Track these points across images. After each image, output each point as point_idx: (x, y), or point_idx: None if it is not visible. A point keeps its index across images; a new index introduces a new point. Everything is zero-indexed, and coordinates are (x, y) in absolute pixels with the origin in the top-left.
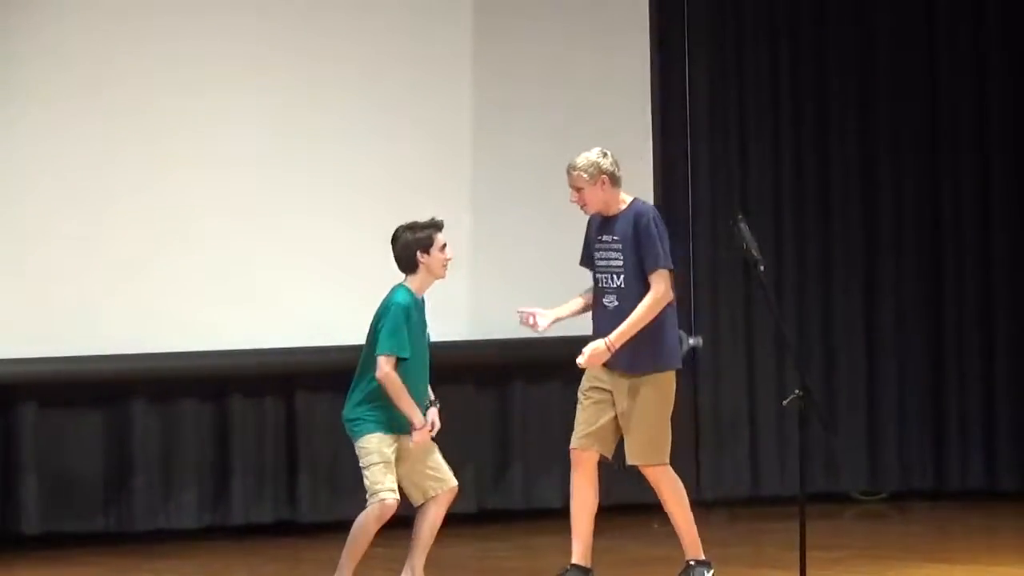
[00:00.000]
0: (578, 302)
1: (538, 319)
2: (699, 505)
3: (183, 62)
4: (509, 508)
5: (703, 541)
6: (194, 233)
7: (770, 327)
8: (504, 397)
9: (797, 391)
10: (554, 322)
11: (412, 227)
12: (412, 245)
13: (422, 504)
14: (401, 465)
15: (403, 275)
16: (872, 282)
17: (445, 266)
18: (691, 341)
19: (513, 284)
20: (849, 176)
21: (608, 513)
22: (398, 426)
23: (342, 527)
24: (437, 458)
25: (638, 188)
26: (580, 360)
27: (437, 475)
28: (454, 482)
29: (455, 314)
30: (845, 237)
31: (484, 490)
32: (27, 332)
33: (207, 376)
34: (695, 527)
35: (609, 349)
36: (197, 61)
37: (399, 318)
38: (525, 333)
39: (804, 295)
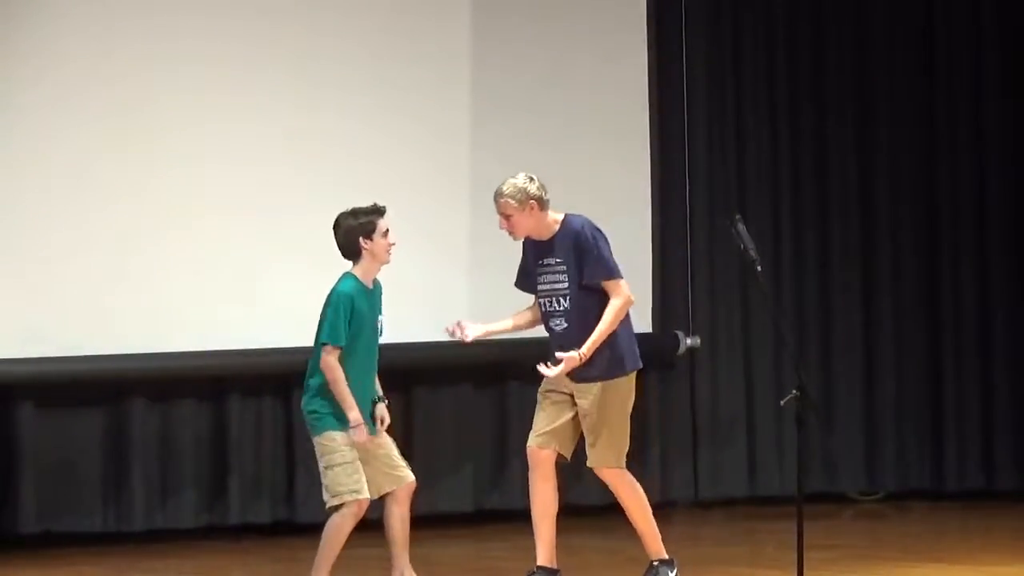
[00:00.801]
0: (509, 322)
1: (467, 330)
2: (697, 505)
3: (180, 61)
4: (507, 508)
5: (701, 541)
6: (192, 233)
7: (767, 327)
8: (502, 397)
9: (795, 391)
10: (484, 335)
11: (354, 213)
12: (354, 231)
13: (385, 504)
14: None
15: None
16: (869, 282)
17: (389, 251)
18: (688, 341)
19: (511, 284)
20: (846, 177)
21: (604, 512)
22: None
23: None
24: (392, 454)
25: (635, 189)
26: (549, 371)
27: (393, 472)
28: (410, 477)
29: (453, 314)
30: (842, 238)
31: (482, 490)
32: (24, 332)
33: (205, 376)
34: (656, 527)
35: (581, 360)
36: (194, 59)
37: (338, 307)
38: (523, 333)
39: (801, 295)
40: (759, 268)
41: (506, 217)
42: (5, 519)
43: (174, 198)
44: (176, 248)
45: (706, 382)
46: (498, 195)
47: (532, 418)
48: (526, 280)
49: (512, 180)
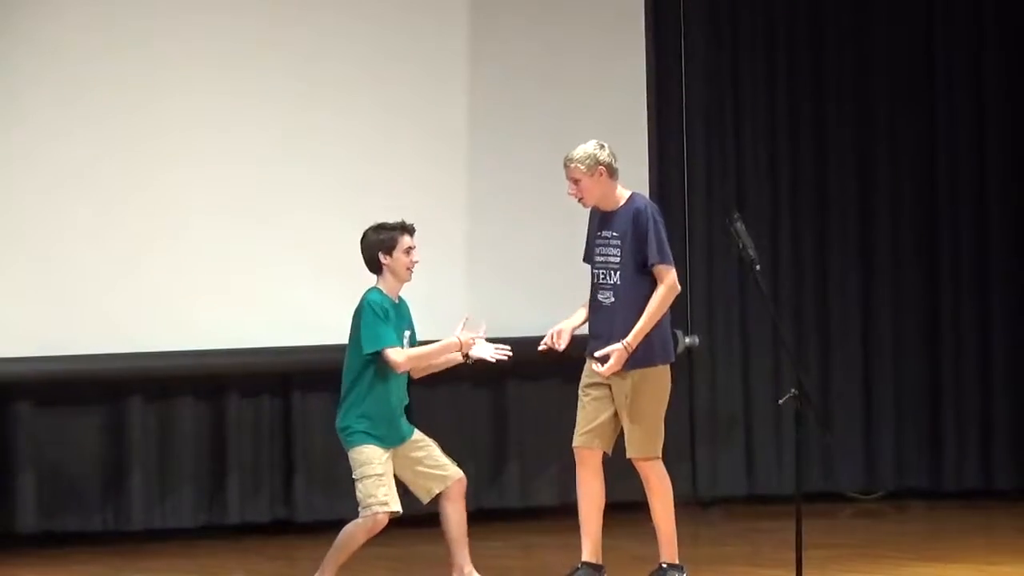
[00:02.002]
0: (583, 313)
1: (561, 339)
2: (696, 504)
3: (175, 61)
4: (506, 507)
5: (700, 540)
6: (190, 232)
7: (766, 326)
8: (501, 396)
9: (793, 390)
10: (571, 337)
11: (378, 228)
12: (375, 246)
13: (439, 505)
14: (403, 470)
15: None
16: (868, 281)
17: (410, 270)
18: (687, 340)
19: (510, 283)
20: (846, 176)
21: (608, 511)
22: (390, 440)
23: (338, 526)
24: (434, 454)
25: (634, 187)
26: (602, 369)
27: (438, 472)
28: (458, 473)
29: (451, 313)
30: (842, 237)
31: (481, 489)
32: (22, 331)
33: (203, 375)
34: (675, 529)
35: (628, 351)
36: (193, 59)
37: (375, 313)
38: (521, 332)
39: (800, 294)
40: (758, 267)
41: (575, 182)
42: (3, 519)
43: (172, 198)
44: (174, 247)
45: (705, 381)
46: (568, 160)
47: (530, 417)
48: (589, 252)
49: (583, 146)
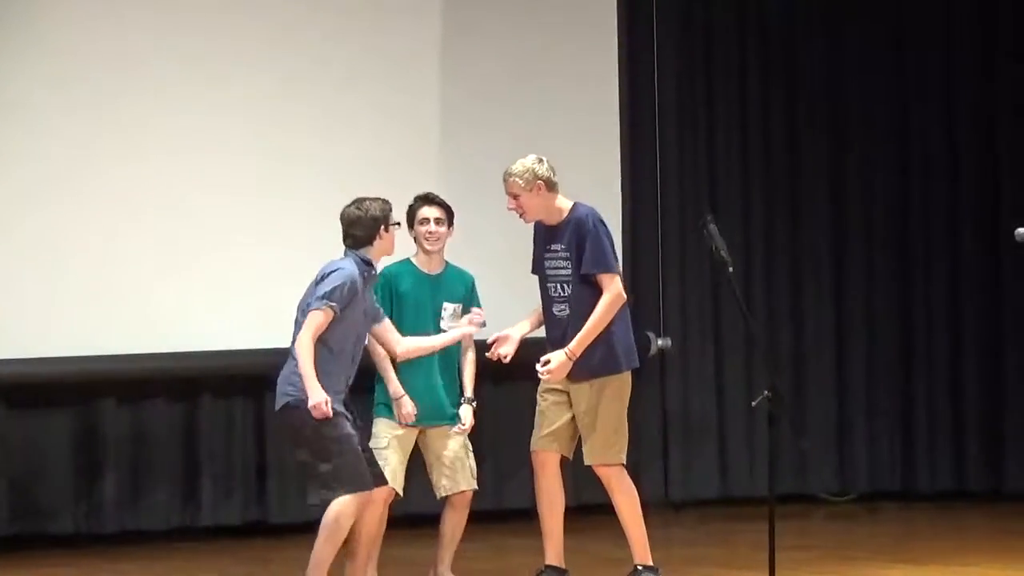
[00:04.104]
0: (527, 324)
1: (502, 349)
2: (668, 507)
3: (149, 58)
4: (479, 509)
5: (673, 542)
6: (162, 234)
7: (739, 328)
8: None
9: (766, 392)
10: (516, 347)
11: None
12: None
13: (444, 504)
14: (427, 452)
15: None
16: (841, 283)
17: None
18: (660, 342)
19: (482, 281)
20: (819, 176)
21: (576, 513)
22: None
23: (311, 528)
24: (456, 457)
25: (606, 187)
26: (543, 374)
27: (451, 475)
28: (466, 486)
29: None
30: (814, 238)
31: None
32: None
33: (176, 377)
34: (644, 531)
35: (570, 359)
36: (171, 56)
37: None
38: (495, 332)
39: (773, 296)
40: (731, 269)
41: (514, 197)
42: None
43: (144, 200)
44: (146, 249)
45: (677, 383)
46: (507, 175)
47: (503, 419)
48: (538, 265)
49: (521, 160)
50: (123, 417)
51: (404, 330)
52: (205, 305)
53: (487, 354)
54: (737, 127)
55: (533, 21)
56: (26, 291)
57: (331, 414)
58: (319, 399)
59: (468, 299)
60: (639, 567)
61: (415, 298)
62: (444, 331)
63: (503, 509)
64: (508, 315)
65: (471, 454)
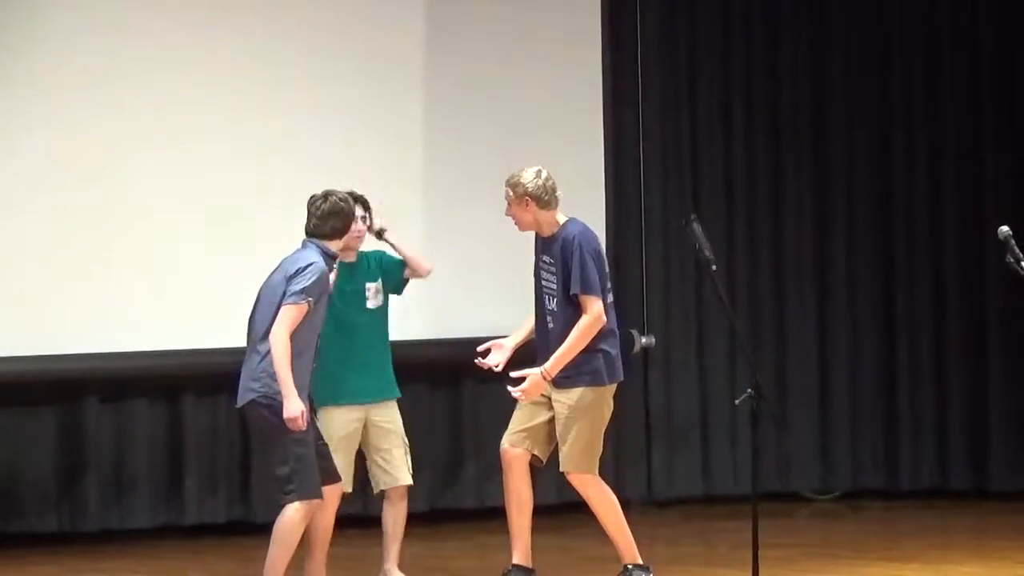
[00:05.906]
0: (522, 333)
1: (493, 360)
2: (651, 505)
3: (135, 58)
4: (462, 507)
5: (656, 540)
6: (145, 233)
7: (722, 327)
8: (457, 396)
9: (749, 390)
10: (509, 356)
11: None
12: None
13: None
14: (367, 446)
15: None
16: (824, 282)
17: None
18: (643, 341)
19: (466, 283)
20: (802, 177)
21: (560, 511)
22: (352, 392)
23: None
24: (396, 454)
25: (589, 189)
26: (517, 394)
27: (387, 469)
28: (402, 481)
29: (408, 313)
30: (798, 237)
31: (437, 490)
32: None
33: (160, 376)
34: (628, 532)
35: (545, 378)
36: (164, 55)
37: None
38: (478, 332)
39: (756, 295)
40: (714, 267)
41: (508, 204)
42: None
43: (126, 198)
44: (129, 248)
45: (660, 381)
46: (506, 182)
47: (486, 418)
48: (535, 272)
49: (521, 172)
50: (106, 416)
51: (332, 317)
52: (187, 304)
53: (476, 361)
54: (720, 127)
55: (516, 27)
56: (6, 291)
57: (305, 427)
58: (295, 412)
59: (384, 272)
60: (628, 567)
61: (340, 286)
62: (371, 311)
63: (486, 508)
64: (489, 320)
65: (407, 449)
